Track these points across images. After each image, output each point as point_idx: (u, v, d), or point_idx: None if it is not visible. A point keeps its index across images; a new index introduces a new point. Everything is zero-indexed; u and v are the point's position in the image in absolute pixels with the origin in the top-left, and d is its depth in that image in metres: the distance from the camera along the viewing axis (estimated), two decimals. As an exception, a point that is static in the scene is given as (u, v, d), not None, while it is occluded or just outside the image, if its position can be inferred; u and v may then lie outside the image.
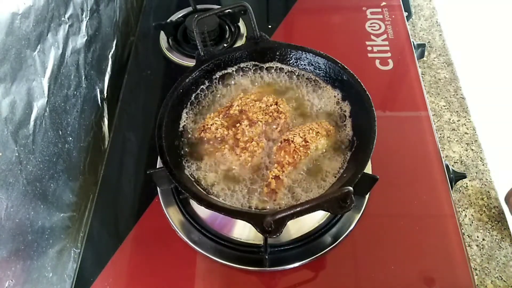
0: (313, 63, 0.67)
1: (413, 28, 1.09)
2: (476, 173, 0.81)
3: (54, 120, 0.64)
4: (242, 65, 0.69)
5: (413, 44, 0.88)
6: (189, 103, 0.66)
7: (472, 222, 0.74)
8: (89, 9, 0.76)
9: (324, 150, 0.61)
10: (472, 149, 0.84)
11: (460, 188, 0.79)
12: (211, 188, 0.58)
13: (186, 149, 0.62)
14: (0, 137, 0.50)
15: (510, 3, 1.53)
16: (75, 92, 0.71)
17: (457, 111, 0.91)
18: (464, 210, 0.76)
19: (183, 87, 0.64)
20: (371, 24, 0.93)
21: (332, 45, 0.90)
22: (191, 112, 0.66)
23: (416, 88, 0.81)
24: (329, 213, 0.60)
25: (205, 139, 0.62)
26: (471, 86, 1.00)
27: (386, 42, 0.89)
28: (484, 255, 0.70)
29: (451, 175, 0.69)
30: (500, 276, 0.67)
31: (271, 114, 0.63)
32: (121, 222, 0.67)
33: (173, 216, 0.64)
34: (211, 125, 0.62)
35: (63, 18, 0.67)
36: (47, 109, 0.61)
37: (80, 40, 0.73)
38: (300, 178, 0.58)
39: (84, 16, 0.75)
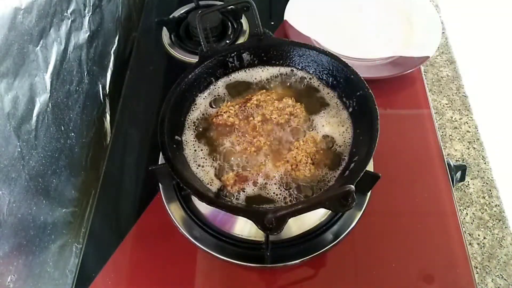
0: (317, 61, 0.67)
1: (416, 26, 1.09)
2: (478, 171, 0.81)
3: (57, 115, 0.64)
4: (245, 61, 0.69)
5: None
6: (191, 99, 0.66)
7: (473, 221, 0.74)
8: (91, 5, 0.76)
9: (324, 151, 0.61)
10: (474, 148, 0.84)
11: (462, 187, 0.79)
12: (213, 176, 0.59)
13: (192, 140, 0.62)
14: (2, 132, 0.50)
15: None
16: (77, 88, 0.71)
17: (459, 109, 0.91)
18: (465, 209, 0.76)
19: (186, 83, 0.64)
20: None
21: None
22: (192, 109, 0.66)
23: (419, 86, 0.81)
24: (330, 211, 0.61)
25: (215, 124, 0.63)
26: (473, 84, 1.00)
27: (389, 40, 0.88)
28: (485, 253, 0.70)
29: (453, 172, 0.69)
30: (501, 275, 0.68)
31: (286, 115, 0.63)
32: (123, 218, 0.67)
33: (175, 212, 0.64)
34: (224, 112, 0.63)
35: (65, 14, 0.67)
36: (50, 105, 0.61)
37: (83, 35, 0.73)
38: (301, 177, 0.58)
39: (86, 11, 0.74)
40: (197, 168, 0.60)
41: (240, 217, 0.60)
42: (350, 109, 0.63)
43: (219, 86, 0.68)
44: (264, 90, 0.67)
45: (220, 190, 0.58)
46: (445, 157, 0.70)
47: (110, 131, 0.84)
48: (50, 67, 0.62)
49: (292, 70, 0.69)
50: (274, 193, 0.57)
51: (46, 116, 0.60)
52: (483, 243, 0.71)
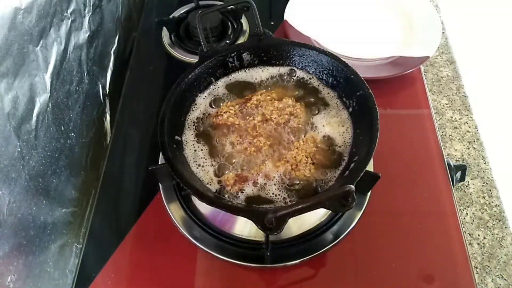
0: (317, 61, 0.67)
1: (416, 26, 1.09)
2: (478, 171, 0.81)
3: (57, 115, 0.64)
4: (245, 61, 0.69)
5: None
6: (191, 99, 0.66)
7: (473, 221, 0.74)
8: (91, 5, 0.76)
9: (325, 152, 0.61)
10: (474, 148, 0.84)
11: (462, 187, 0.79)
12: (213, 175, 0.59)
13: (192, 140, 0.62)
14: (2, 132, 0.50)
15: (513, 1, 1.53)
16: (77, 88, 0.71)
17: (459, 109, 0.91)
18: (465, 209, 0.76)
19: (186, 83, 0.64)
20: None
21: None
22: (192, 109, 0.66)
23: (419, 86, 0.81)
24: (330, 211, 0.61)
25: (215, 124, 0.63)
26: (473, 84, 1.00)
27: (389, 40, 0.88)
28: (485, 253, 0.70)
29: (453, 172, 0.69)
30: (501, 275, 0.67)
31: (286, 115, 0.63)
32: (123, 218, 0.67)
33: (175, 212, 0.65)
34: (224, 112, 0.63)
35: (65, 14, 0.67)
36: (50, 105, 0.61)
37: (83, 35, 0.73)
38: (301, 177, 0.58)
39: (86, 11, 0.74)
40: (197, 168, 0.60)
41: (240, 217, 0.60)
42: (350, 109, 0.63)
43: (219, 86, 0.68)
44: (264, 90, 0.67)
45: (220, 190, 0.58)
46: (445, 157, 0.70)
47: (110, 131, 0.84)
48: (50, 67, 0.62)
49: (292, 70, 0.69)
50: (273, 193, 0.57)
51: (46, 116, 0.60)
52: (483, 243, 0.71)
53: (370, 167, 0.66)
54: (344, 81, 0.64)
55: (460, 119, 0.89)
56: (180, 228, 0.63)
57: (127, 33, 0.96)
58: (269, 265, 0.59)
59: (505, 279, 0.67)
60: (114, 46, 0.89)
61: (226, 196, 0.57)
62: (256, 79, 0.69)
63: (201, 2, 0.96)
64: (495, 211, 0.75)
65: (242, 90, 0.68)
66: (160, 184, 0.67)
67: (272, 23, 0.93)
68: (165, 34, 0.92)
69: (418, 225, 0.63)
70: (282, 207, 0.49)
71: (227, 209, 0.52)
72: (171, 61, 0.88)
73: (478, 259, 0.69)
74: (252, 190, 0.58)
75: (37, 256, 0.59)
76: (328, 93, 0.66)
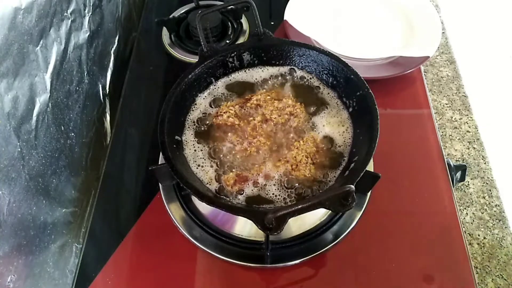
0: (317, 61, 0.67)
1: (416, 26, 1.09)
2: (478, 171, 0.81)
3: (57, 115, 0.64)
4: (245, 61, 0.69)
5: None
6: (191, 99, 0.66)
7: (473, 221, 0.74)
8: (91, 5, 0.76)
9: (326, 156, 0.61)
10: (474, 147, 0.84)
11: (462, 187, 0.79)
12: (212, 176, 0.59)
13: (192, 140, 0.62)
14: (2, 132, 0.50)
15: (514, 1, 1.53)
16: (77, 88, 0.71)
17: (459, 109, 0.91)
18: (465, 208, 0.76)
19: (186, 83, 0.64)
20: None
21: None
22: (192, 109, 0.66)
23: (419, 86, 0.81)
24: (330, 211, 0.61)
25: (215, 124, 0.63)
26: (473, 84, 1.00)
27: (389, 40, 0.88)
28: (485, 253, 0.70)
29: (453, 172, 0.69)
30: (501, 275, 0.67)
31: (286, 115, 0.63)
32: (123, 218, 0.67)
33: (175, 212, 0.65)
34: (224, 112, 0.63)
35: (65, 14, 0.67)
36: (50, 105, 0.61)
37: (83, 35, 0.73)
38: (301, 177, 0.58)
39: (86, 11, 0.74)
40: (197, 168, 0.60)
41: (240, 217, 0.60)
42: (350, 109, 0.64)
43: (219, 86, 0.68)
44: (264, 90, 0.67)
45: (219, 190, 0.58)
46: (445, 157, 0.70)
47: (110, 131, 0.84)
48: (50, 67, 0.62)
49: (292, 70, 0.69)
50: (273, 193, 0.57)
51: (46, 116, 0.60)
52: (483, 243, 0.71)
53: (370, 167, 0.66)
54: (344, 81, 0.64)
55: (460, 119, 0.89)
56: (180, 228, 0.63)
57: (127, 33, 0.96)
58: (269, 265, 0.59)
59: (505, 279, 0.67)
60: (114, 46, 0.89)
61: (226, 196, 0.57)
62: (256, 79, 0.69)
63: (201, 2, 0.96)
64: (495, 211, 0.75)
65: (242, 90, 0.68)
66: (160, 184, 0.67)
67: (272, 23, 0.93)
68: (165, 34, 0.92)
69: (418, 225, 0.63)
70: (282, 207, 0.49)
71: (227, 209, 0.52)
72: (171, 61, 0.88)
73: (478, 259, 0.69)
74: (252, 190, 0.58)
75: (37, 256, 0.59)
76: (328, 93, 0.66)
